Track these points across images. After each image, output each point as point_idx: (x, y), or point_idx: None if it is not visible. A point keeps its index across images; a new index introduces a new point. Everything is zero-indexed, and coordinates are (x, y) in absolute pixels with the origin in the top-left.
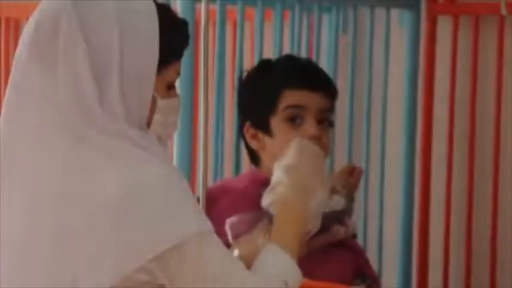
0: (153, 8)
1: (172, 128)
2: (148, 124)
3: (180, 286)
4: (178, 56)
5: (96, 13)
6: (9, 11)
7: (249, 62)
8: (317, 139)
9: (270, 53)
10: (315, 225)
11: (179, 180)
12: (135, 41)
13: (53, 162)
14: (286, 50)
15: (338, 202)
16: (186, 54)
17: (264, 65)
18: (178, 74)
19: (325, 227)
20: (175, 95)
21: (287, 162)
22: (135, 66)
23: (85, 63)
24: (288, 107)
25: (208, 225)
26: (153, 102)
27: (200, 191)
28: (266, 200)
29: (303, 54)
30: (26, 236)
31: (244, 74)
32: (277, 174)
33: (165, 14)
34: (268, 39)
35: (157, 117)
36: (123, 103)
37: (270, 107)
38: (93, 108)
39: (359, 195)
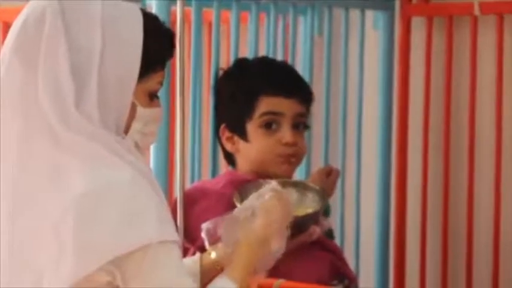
0: (139, 17)
1: (151, 137)
2: (126, 131)
3: None
4: (162, 65)
5: (81, 16)
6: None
7: (225, 64)
8: (293, 145)
9: (245, 55)
10: (262, 269)
11: (148, 186)
12: (116, 47)
13: (28, 161)
14: (262, 52)
15: (312, 200)
16: None
17: (240, 66)
18: (161, 84)
19: (302, 229)
20: (156, 105)
21: (260, 205)
22: (114, 72)
23: (65, 64)
24: (264, 113)
25: (170, 235)
26: (133, 109)
27: (178, 192)
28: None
29: (279, 56)
30: (3, 236)
31: (221, 73)
32: (245, 211)
33: (152, 23)
34: (244, 42)
35: (135, 125)
36: (100, 107)
37: (246, 113)
38: (69, 110)
39: (335, 196)
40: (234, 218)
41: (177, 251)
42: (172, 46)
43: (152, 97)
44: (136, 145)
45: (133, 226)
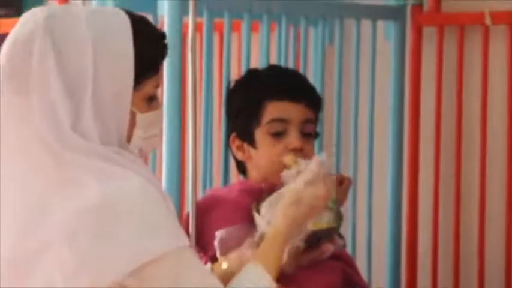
0: (128, 26)
1: (155, 139)
2: (129, 139)
3: None
4: (156, 70)
5: (69, 34)
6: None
7: (237, 74)
8: (300, 151)
9: (257, 65)
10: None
11: (157, 194)
12: (108, 61)
13: (33, 180)
14: (273, 61)
15: (328, 218)
16: (174, 66)
17: (250, 76)
18: (158, 86)
19: (315, 244)
20: (157, 107)
21: (309, 193)
22: (109, 87)
23: (58, 85)
24: (271, 120)
25: (184, 240)
26: (132, 118)
27: (190, 202)
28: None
29: (290, 65)
30: (13, 250)
31: (232, 84)
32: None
33: (141, 28)
34: (256, 51)
35: (137, 131)
36: (97, 122)
37: (254, 119)
38: (67, 132)
39: (347, 203)
40: (278, 200)
41: (194, 254)
42: (163, 48)
43: (150, 101)
44: (141, 151)
45: (148, 236)
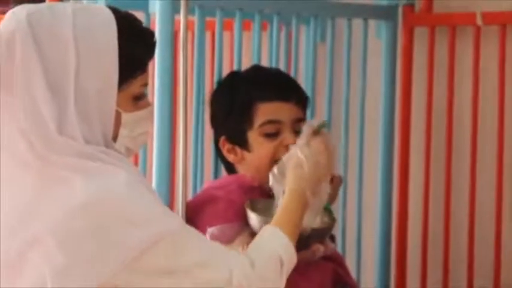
0: (112, 23)
1: (142, 138)
2: (115, 138)
3: (167, 279)
4: (143, 69)
5: (51, 30)
6: None
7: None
8: None
9: (249, 63)
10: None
11: (143, 187)
12: (92, 60)
13: (19, 180)
14: (265, 59)
15: (320, 219)
16: (166, 64)
17: (234, 78)
18: (146, 85)
19: (306, 244)
20: (145, 105)
21: (308, 154)
22: (93, 83)
23: (41, 85)
24: (265, 122)
25: (178, 221)
26: (118, 117)
27: (179, 201)
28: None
29: (282, 63)
30: (4, 251)
31: (213, 89)
32: (298, 152)
33: (127, 26)
34: (247, 49)
35: (123, 131)
36: (81, 122)
37: (246, 122)
38: (51, 133)
39: (337, 203)
40: (282, 168)
41: (191, 230)
42: (151, 46)
43: (137, 100)
44: (128, 150)
45: (137, 230)
